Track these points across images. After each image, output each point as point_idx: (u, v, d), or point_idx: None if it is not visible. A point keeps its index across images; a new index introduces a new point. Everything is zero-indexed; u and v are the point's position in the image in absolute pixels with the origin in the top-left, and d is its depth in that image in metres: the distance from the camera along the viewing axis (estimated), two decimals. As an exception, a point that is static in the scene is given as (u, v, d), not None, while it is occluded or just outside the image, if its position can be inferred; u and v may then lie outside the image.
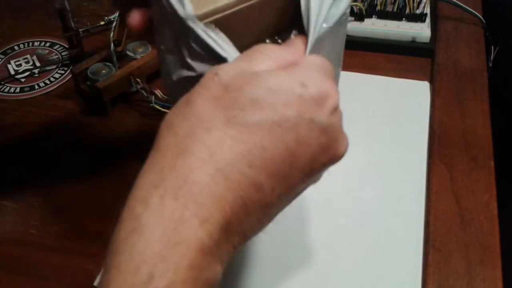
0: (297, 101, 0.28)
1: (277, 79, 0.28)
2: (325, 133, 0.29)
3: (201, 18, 0.32)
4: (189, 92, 0.29)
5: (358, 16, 0.68)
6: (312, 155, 0.29)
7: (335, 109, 0.29)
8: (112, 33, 0.63)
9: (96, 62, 0.62)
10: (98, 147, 0.58)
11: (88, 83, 0.61)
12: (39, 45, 0.72)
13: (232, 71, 0.29)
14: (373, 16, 0.69)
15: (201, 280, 0.25)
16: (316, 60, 0.31)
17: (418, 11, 0.67)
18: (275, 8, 0.36)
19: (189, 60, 0.33)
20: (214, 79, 0.29)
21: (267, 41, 0.36)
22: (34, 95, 0.65)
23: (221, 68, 0.29)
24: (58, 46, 0.72)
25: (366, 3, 0.69)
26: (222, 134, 0.27)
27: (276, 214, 0.31)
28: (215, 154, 0.26)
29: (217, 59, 0.32)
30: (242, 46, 0.35)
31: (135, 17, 0.37)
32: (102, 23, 0.71)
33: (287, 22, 0.36)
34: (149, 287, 0.24)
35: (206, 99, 0.28)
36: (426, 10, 0.68)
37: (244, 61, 0.30)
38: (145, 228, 0.25)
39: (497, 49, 0.72)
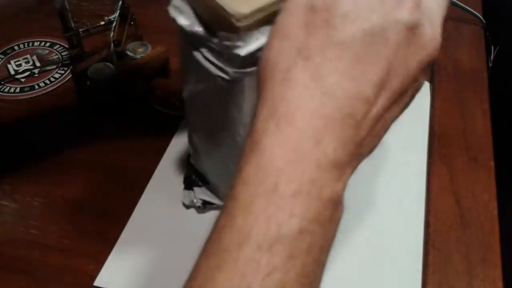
0: (379, 5, 0.29)
1: None
2: (412, 30, 0.29)
3: (247, 16, 0.33)
4: (277, 22, 0.30)
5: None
6: (404, 55, 0.29)
7: (417, 5, 0.30)
8: (112, 33, 0.63)
9: (96, 62, 0.62)
10: (98, 147, 0.58)
11: (88, 83, 0.61)
12: (39, 45, 0.72)
13: None
14: (373, 16, 0.69)
15: (323, 195, 0.27)
16: None
17: (418, 11, 0.67)
18: None
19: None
20: (299, 5, 0.30)
21: None
22: (34, 95, 0.65)
23: None
24: (58, 46, 0.72)
25: (366, 3, 0.69)
26: (321, 59, 0.28)
27: (387, 127, 0.31)
28: (318, 79, 0.28)
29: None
30: None
31: None
32: (102, 23, 0.71)
33: None
34: (276, 194, 0.26)
35: (298, 27, 0.29)
36: (426, 10, 0.68)
37: None
38: (266, 150, 0.27)
39: (497, 49, 0.72)
